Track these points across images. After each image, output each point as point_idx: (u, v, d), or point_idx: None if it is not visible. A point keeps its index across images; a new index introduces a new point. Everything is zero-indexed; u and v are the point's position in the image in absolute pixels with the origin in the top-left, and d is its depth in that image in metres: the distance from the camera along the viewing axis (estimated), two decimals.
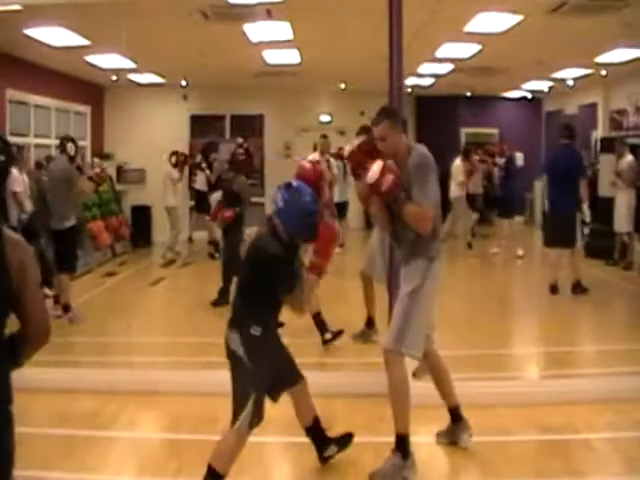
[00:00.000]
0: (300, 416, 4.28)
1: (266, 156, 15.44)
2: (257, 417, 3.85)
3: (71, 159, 7.98)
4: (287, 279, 3.93)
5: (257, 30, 8.76)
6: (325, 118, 15.73)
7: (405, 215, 4.12)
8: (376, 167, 4.11)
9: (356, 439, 4.39)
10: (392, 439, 4.18)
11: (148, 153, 13.83)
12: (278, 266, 3.88)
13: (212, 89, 14.22)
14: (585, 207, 8.81)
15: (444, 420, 4.67)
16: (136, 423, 5.44)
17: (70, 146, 7.93)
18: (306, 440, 4.33)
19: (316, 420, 4.29)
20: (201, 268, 11.45)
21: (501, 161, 12.69)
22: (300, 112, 15.24)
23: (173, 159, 12.10)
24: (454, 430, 4.58)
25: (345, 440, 4.40)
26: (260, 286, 3.90)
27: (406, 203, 4.10)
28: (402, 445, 4.14)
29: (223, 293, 8.14)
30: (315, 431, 4.32)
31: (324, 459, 4.33)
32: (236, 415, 3.84)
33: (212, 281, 8.65)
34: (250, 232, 6.19)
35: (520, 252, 11.56)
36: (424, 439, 4.68)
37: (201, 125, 15.59)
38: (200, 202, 12.60)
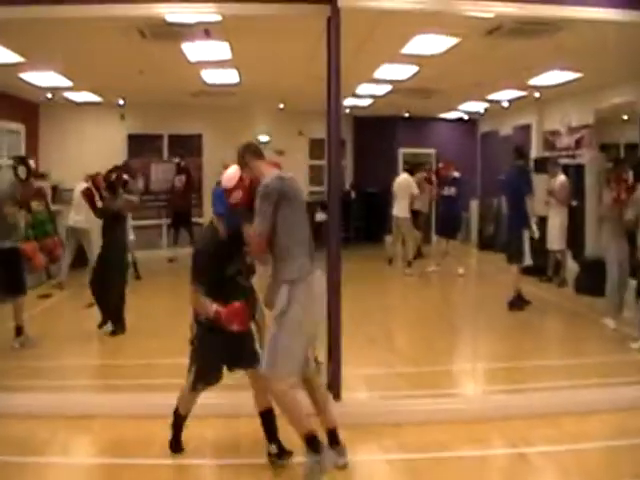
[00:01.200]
0: (255, 400, 4.67)
1: (205, 176, 15.38)
2: (201, 382, 4.63)
3: (23, 181, 7.79)
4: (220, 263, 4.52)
5: (195, 49, 8.73)
6: (264, 138, 15.77)
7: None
8: (233, 178, 4.49)
9: None
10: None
11: (84, 173, 13.64)
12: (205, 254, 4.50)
13: (150, 108, 14.11)
14: (533, 224, 9.01)
15: (382, 437, 4.69)
16: (69, 448, 5.32)
17: (21, 168, 7.76)
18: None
19: (269, 411, 4.62)
20: (135, 288, 11.31)
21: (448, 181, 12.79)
22: (239, 131, 15.22)
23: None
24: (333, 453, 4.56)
25: (286, 454, 4.61)
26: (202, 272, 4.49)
27: (246, 224, 4.40)
28: (311, 444, 4.28)
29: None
30: (266, 421, 4.64)
31: (268, 454, 4.61)
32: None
33: (148, 301, 8.58)
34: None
35: (461, 270, 11.67)
36: (363, 457, 4.71)
37: (138, 145, 15.46)
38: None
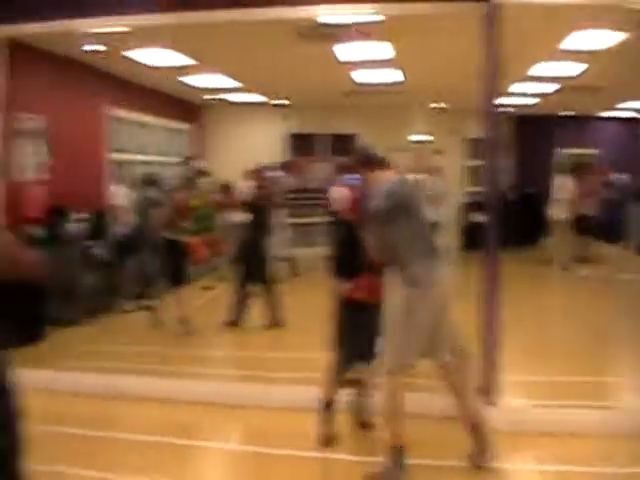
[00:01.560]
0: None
1: None
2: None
3: (189, 179, 8.23)
4: None
5: (351, 49, 8.82)
6: (419, 137, 15.68)
7: None
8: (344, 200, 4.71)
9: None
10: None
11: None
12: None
13: (310, 108, 14.36)
14: None
15: (537, 446, 4.57)
16: (234, 436, 5.57)
17: (188, 167, 8.20)
18: None
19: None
20: (293, 284, 11.50)
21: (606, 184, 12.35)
22: (395, 131, 15.21)
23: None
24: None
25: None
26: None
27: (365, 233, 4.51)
28: (395, 452, 4.35)
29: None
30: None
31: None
32: None
33: (303, 297, 8.73)
34: None
35: (621, 276, 11.17)
36: (517, 466, 4.65)
37: (299, 143, 15.75)
38: None
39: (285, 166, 12.96)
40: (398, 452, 4.35)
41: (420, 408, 5.01)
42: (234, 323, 8.40)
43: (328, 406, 4.95)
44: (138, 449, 5.18)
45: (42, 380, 6.53)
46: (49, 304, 8.38)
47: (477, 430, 4.49)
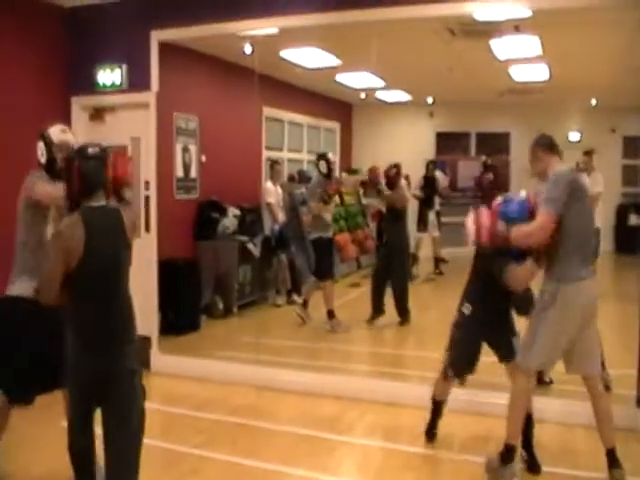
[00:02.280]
0: None
1: (512, 174, 15.17)
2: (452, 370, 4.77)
3: (325, 176, 8.36)
4: None
5: (504, 46, 8.68)
6: (574, 136, 15.21)
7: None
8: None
9: None
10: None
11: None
12: None
13: (458, 106, 14.21)
14: None
15: None
16: (375, 432, 5.59)
17: (322, 164, 8.31)
18: None
19: (528, 416, 4.55)
20: (443, 284, 11.46)
21: None
22: (547, 129, 14.78)
23: None
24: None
25: (534, 466, 4.63)
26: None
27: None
28: (507, 453, 4.32)
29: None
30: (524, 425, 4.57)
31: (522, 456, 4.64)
32: None
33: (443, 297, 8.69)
34: None
35: None
36: None
37: (446, 142, 15.63)
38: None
39: (435, 165, 12.92)
40: (509, 454, 4.33)
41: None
42: (371, 319, 8.50)
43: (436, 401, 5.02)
44: (279, 439, 5.36)
45: (195, 368, 6.85)
46: (206, 295, 8.79)
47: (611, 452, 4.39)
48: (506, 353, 4.74)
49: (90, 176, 3.34)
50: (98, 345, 3.30)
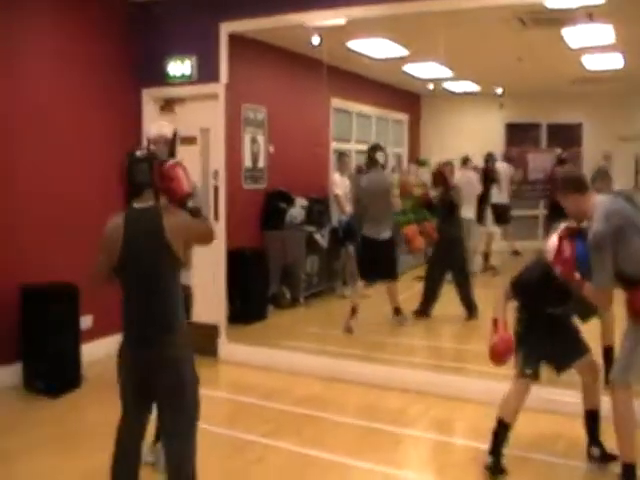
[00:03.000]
0: (583, 395, 4.60)
1: (585, 166, 14.88)
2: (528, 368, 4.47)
3: (382, 168, 8.31)
4: None
5: (577, 35, 8.52)
6: None
7: None
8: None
9: None
10: None
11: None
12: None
13: (528, 97, 13.99)
14: None
15: None
16: (440, 426, 5.57)
17: (380, 155, 8.22)
18: None
19: (594, 411, 4.54)
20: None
21: None
22: (621, 121, 14.49)
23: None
24: None
25: (608, 458, 4.51)
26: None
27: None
28: (626, 474, 4.09)
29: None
30: (590, 421, 4.58)
31: (588, 455, 4.59)
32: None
33: None
34: None
35: None
36: None
37: (516, 133, 15.42)
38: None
39: (506, 157, 12.79)
40: (629, 474, 4.13)
41: None
42: (418, 313, 8.48)
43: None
44: (344, 430, 5.38)
45: (262, 357, 6.91)
46: (273, 284, 8.87)
47: None
48: (573, 356, 4.60)
49: (136, 178, 3.49)
50: (137, 336, 3.46)
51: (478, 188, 10.97)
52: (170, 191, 3.75)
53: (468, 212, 9.99)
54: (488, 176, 11.82)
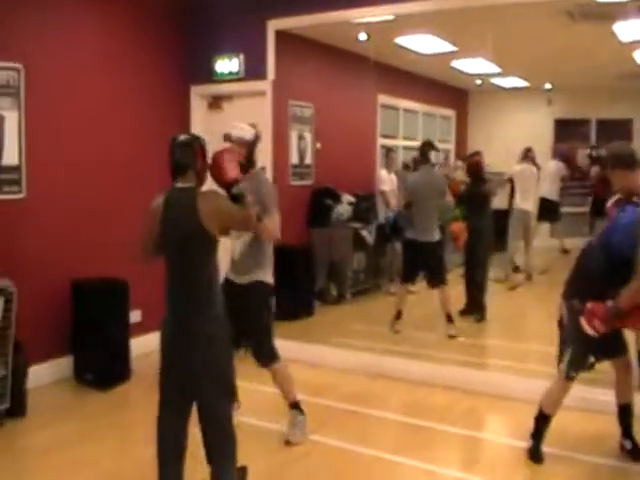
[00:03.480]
0: (616, 390, 4.63)
1: None
2: (574, 369, 4.43)
3: (433, 166, 8.19)
4: None
5: (627, 28, 8.39)
6: None
7: None
8: None
9: None
10: None
11: (510, 157, 13.81)
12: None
13: (577, 92, 13.81)
14: None
15: None
16: (487, 425, 5.56)
17: (433, 153, 8.03)
18: None
19: (627, 406, 4.57)
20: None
21: None
22: None
23: None
24: None
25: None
26: None
27: None
28: None
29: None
30: (623, 416, 4.61)
31: (621, 447, 4.63)
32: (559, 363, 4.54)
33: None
34: None
35: None
36: None
37: (564, 129, 15.23)
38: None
39: (557, 154, 12.64)
40: None
41: None
42: (463, 313, 8.40)
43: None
44: (390, 427, 5.41)
45: (308, 353, 6.95)
46: (319, 281, 8.89)
47: None
48: (614, 351, 4.58)
49: (177, 160, 3.66)
50: (175, 311, 3.63)
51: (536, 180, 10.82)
52: (215, 176, 3.88)
53: (526, 204, 9.83)
54: None
